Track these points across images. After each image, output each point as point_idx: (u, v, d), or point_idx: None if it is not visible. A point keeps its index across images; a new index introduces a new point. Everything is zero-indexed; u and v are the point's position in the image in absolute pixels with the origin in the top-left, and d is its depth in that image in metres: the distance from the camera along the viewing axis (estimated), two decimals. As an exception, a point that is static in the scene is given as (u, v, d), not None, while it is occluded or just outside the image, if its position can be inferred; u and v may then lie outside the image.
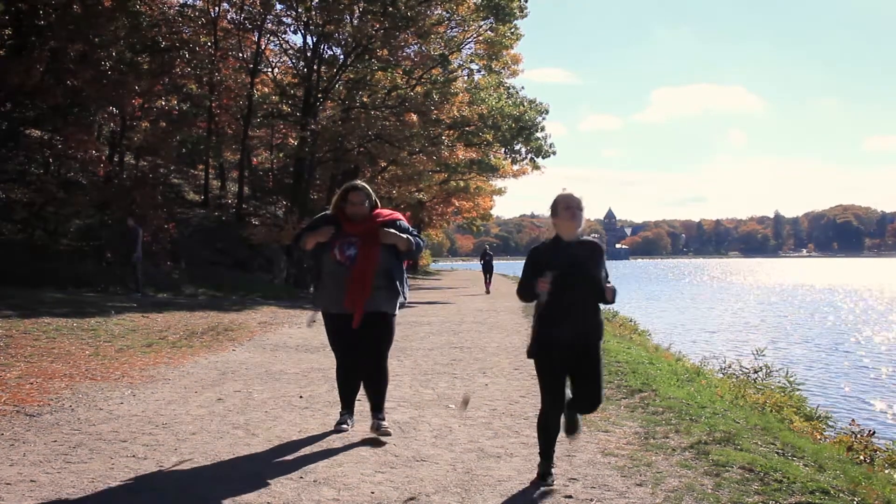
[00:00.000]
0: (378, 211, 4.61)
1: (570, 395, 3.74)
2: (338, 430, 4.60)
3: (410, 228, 4.64)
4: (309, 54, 21.49)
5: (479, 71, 24.18)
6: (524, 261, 3.75)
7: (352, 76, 21.95)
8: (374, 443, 4.34)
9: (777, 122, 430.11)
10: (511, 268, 65.90)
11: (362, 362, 4.56)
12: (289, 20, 21.44)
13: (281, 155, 26.03)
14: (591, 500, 3.42)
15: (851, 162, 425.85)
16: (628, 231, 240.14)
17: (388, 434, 4.45)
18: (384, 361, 4.57)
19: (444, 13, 21.59)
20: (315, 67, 21.34)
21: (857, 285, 48.70)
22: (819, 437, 6.44)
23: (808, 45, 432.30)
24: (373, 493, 3.47)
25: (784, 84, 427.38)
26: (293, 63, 23.07)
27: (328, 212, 4.69)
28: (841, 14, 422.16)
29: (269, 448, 4.23)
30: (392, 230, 4.46)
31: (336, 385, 4.77)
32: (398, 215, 4.66)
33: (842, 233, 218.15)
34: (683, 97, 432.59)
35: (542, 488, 3.52)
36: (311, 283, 4.95)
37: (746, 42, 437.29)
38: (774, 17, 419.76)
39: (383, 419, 4.52)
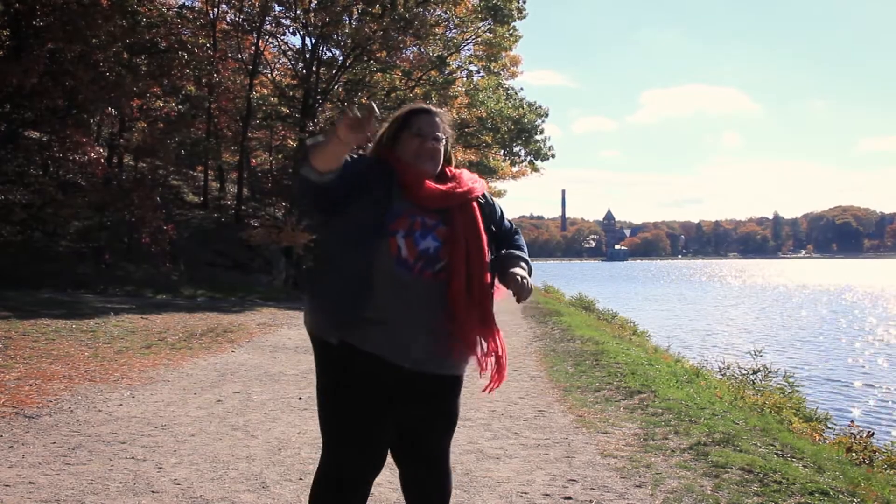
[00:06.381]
0: (456, 172, 2.34)
1: None
2: None
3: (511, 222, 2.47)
4: (308, 56, 21.50)
5: (478, 72, 24.19)
6: None
7: (350, 77, 21.96)
8: None
9: (771, 124, 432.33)
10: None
11: (410, 461, 2.42)
12: (287, 21, 21.47)
13: (280, 156, 26.01)
14: (591, 501, 3.42)
15: (848, 163, 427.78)
16: (627, 232, 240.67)
17: None
18: (448, 460, 2.44)
19: (443, 14, 21.60)
20: (314, 69, 21.35)
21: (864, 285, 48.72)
22: (818, 438, 6.43)
23: (798, 47, 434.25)
24: (372, 493, 3.47)
25: (775, 86, 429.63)
26: (292, 64, 23.08)
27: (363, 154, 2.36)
28: (831, 16, 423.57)
29: (268, 449, 4.22)
30: (519, 269, 2.26)
31: None
32: (483, 183, 2.39)
33: (841, 234, 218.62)
34: (675, 98, 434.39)
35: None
36: (311, 285, 2.34)
37: (736, 43, 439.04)
38: (764, 18, 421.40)
39: None
